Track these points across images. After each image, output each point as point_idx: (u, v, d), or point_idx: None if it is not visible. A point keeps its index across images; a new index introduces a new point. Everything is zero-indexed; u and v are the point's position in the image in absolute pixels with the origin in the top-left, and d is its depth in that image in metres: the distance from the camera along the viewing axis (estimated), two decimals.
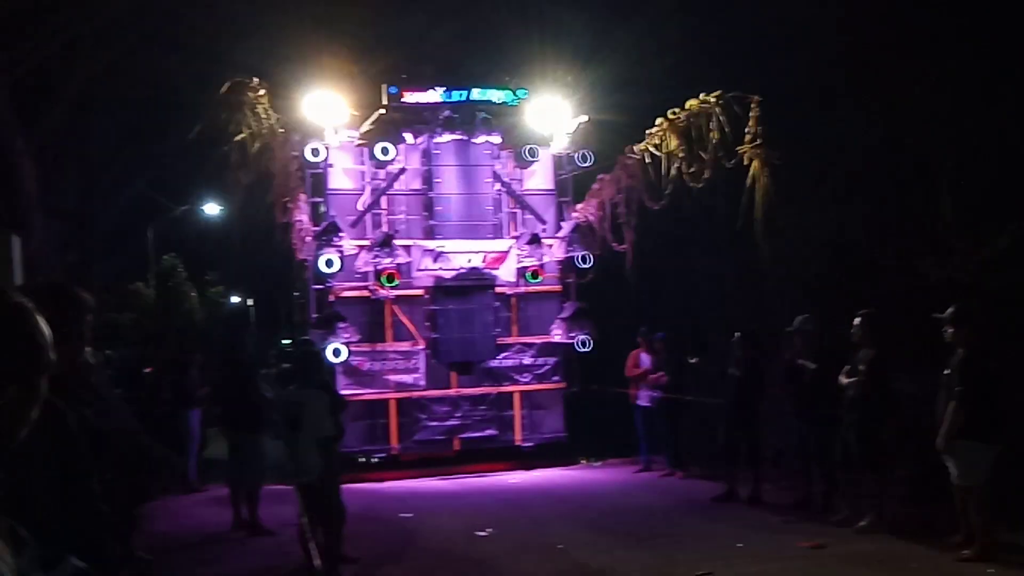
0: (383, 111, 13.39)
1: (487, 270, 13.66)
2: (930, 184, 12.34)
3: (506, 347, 14.20)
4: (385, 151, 13.22)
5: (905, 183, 12.85)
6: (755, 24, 14.03)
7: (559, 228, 14.54)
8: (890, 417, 9.05)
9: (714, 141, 10.65)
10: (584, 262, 13.99)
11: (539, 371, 14.39)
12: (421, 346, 13.91)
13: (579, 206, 14.41)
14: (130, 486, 10.18)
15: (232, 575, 8.37)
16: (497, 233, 14.07)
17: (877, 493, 9.10)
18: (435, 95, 13.65)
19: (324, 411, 7.43)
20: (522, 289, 14.21)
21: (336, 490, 7.80)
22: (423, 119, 13.73)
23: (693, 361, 12.92)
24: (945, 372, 7.91)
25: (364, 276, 13.54)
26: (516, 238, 14.10)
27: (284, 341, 30.08)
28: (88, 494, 2.89)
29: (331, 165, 13.61)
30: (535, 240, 13.74)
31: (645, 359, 13.17)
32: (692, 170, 11.10)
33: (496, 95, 13.92)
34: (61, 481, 2.73)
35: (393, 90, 13.40)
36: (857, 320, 9.08)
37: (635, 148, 12.52)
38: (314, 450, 7.40)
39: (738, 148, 10.33)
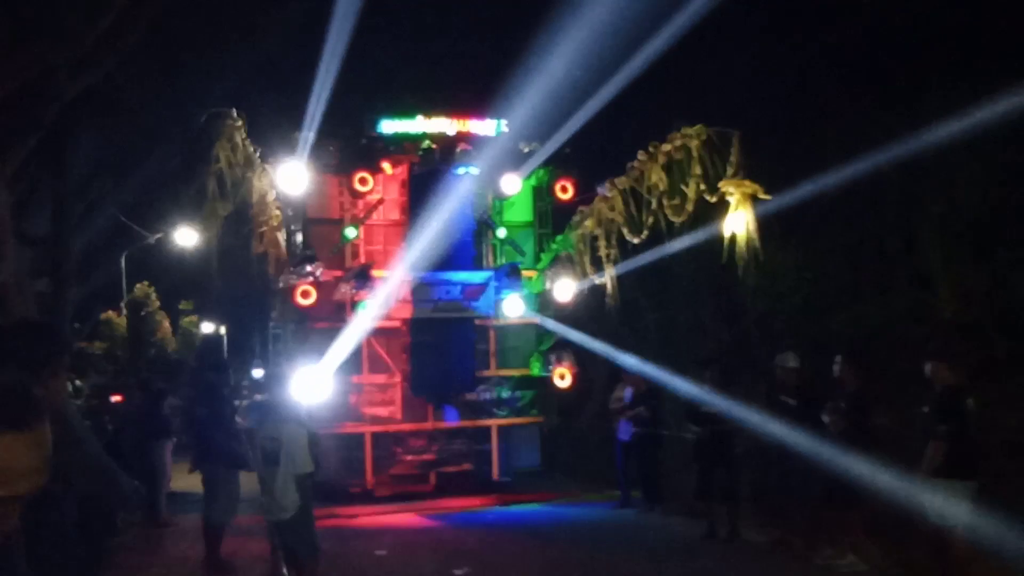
0: (363, 141, 13.36)
1: (465, 302, 13.57)
2: (911, 216, 12.39)
3: (484, 380, 14.09)
4: (364, 181, 13.17)
5: (885, 215, 12.88)
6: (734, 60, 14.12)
7: (538, 260, 14.50)
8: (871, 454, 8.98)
9: (695, 175, 10.62)
10: (563, 295, 13.89)
11: (517, 404, 14.29)
12: (397, 378, 13.78)
13: (559, 238, 14.35)
14: (98, 519, 9.93)
15: None
16: (476, 265, 14.00)
17: (858, 532, 9.03)
18: (415, 125, 13.64)
19: (302, 446, 7.27)
20: (500, 322, 14.13)
21: (311, 526, 7.63)
22: (402, 149, 13.70)
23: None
24: (924, 409, 7.87)
25: (341, 307, 13.44)
26: (495, 270, 14.03)
27: (255, 372, 29.68)
28: (58, 526, 2.79)
29: (310, 195, 13.51)
30: (514, 272, 13.66)
31: (627, 393, 13.04)
32: (674, 202, 11.06)
33: (476, 126, 13.91)
34: (33, 510, 2.63)
35: (372, 120, 13.39)
36: (838, 357, 9.07)
37: (615, 181, 12.49)
38: (291, 486, 7.23)
39: (720, 184, 10.31)
